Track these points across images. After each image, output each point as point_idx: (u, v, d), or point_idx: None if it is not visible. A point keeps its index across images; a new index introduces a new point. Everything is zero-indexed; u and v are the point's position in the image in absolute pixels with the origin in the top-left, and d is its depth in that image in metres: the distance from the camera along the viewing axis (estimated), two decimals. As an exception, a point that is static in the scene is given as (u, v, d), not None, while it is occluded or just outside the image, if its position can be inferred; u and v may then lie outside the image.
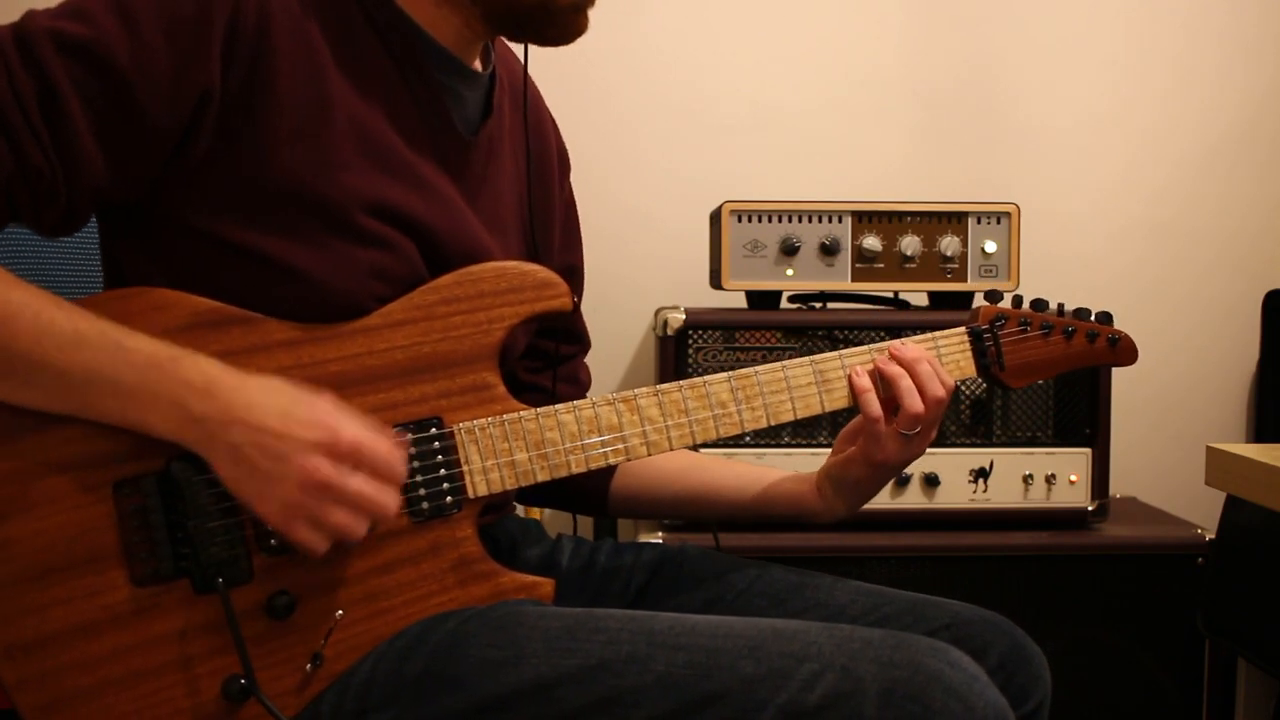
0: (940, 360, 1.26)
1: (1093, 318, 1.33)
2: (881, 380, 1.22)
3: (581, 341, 1.44)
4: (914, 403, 1.20)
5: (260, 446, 0.99)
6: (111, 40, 1.01)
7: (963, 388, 1.96)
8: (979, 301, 1.99)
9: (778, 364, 1.22)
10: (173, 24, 1.03)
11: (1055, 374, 1.33)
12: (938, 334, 1.27)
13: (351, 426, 1.01)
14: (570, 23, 1.18)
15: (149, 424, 1.01)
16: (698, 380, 1.20)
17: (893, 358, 1.22)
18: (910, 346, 1.23)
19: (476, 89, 1.24)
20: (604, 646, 1.03)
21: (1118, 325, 1.34)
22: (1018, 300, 1.32)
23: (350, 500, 1.00)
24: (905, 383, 1.21)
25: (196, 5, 1.03)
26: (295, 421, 0.99)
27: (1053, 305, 1.33)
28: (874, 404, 1.22)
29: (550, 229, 1.40)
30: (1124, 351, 1.34)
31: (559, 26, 1.17)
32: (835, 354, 1.24)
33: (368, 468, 1.01)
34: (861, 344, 1.90)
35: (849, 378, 1.23)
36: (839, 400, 1.24)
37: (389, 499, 1.02)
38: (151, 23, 1.02)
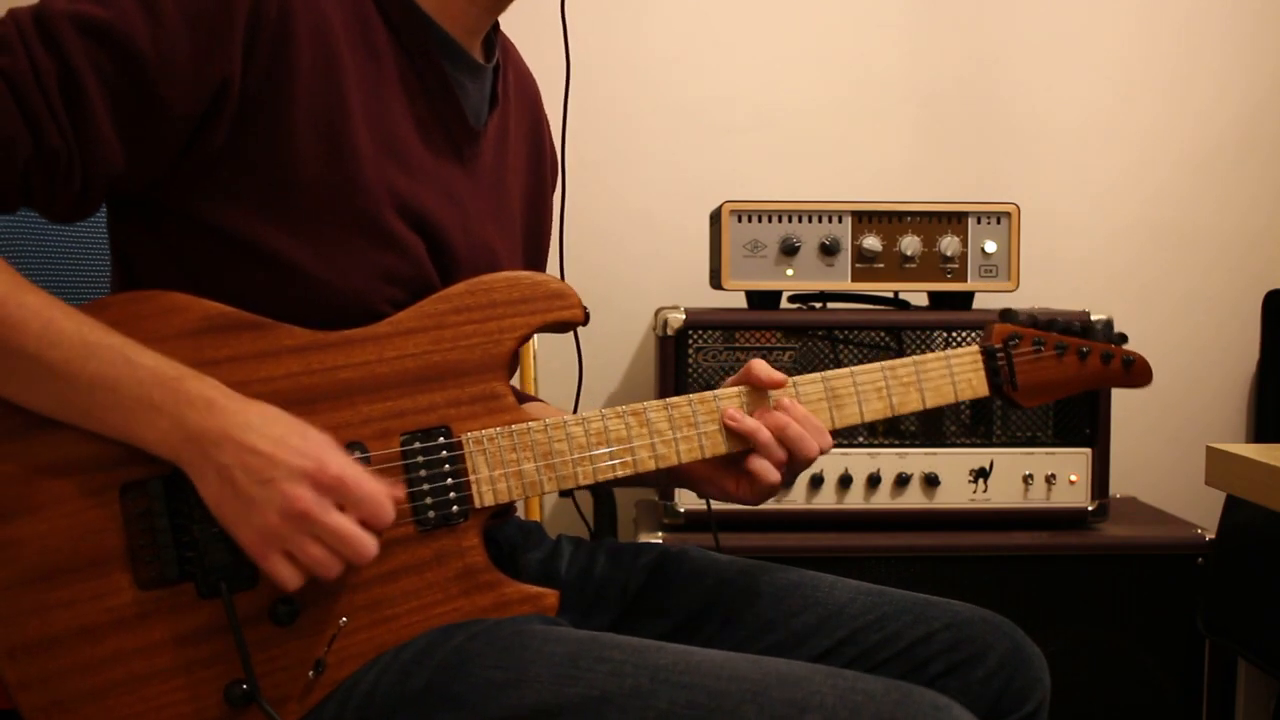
0: (953, 378, 1.26)
1: (1109, 338, 1.32)
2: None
3: None
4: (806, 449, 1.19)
5: (247, 468, 0.98)
6: (132, 24, 1.01)
7: (963, 388, 1.97)
8: (979, 303, 2.01)
9: (792, 379, 1.22)
10: (195, 10, 1.02)
11: (1068, 394, 1.31)
12: (950, 352, 1.27)
13: (340, 460, 1.00)
14: None
15: (145, 438, 1.00)
16: (707, 394, 1.19)
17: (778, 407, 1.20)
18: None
19: (481, 81, 1.24)
20: (607, 678, 1.01)
21: (1119, 328, 1.34)
22: (1032, 319, 1.31)
23: (329, 536, 0.99)
24: (793, 430, 1.19)
25: None
26: (285, 448, 0.98)
27: (1073, 319, 1.32)
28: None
29: (547, 227, 1.41)
30: (1138, 374, 1.32)
31: None
32: (848, 370, 1.23)
33: (353, 507, 1.00)
34: (861, 344, 1.91)
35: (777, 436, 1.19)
36: (850, 418, 1.24)
37: (367, 542, 1.00)
38: (173, 8, 1.02)
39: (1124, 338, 1.33)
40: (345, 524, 0.99)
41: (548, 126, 1.44)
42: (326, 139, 1.08)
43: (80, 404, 1.00)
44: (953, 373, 1.26)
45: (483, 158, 1.24)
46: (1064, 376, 1.30)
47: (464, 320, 1.13)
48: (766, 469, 1.19)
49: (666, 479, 1.30)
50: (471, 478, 1.12)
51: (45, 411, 1.01)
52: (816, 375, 1.23)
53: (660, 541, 1.77)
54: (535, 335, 1.17)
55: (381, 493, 1.01)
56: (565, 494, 1.38)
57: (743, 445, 1.20)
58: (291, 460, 0.98)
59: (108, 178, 1.04)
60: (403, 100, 1.15)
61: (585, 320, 1.18)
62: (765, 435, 1.18)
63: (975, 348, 1.28)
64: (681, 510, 1.92)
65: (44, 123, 0.99)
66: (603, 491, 2.03)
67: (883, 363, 1.25)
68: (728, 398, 1.20)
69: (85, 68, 1.00)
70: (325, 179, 1.08)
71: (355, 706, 1.06)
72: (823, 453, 1.20)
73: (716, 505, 1.89)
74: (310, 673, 1.06)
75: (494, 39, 1.28)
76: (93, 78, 1.00)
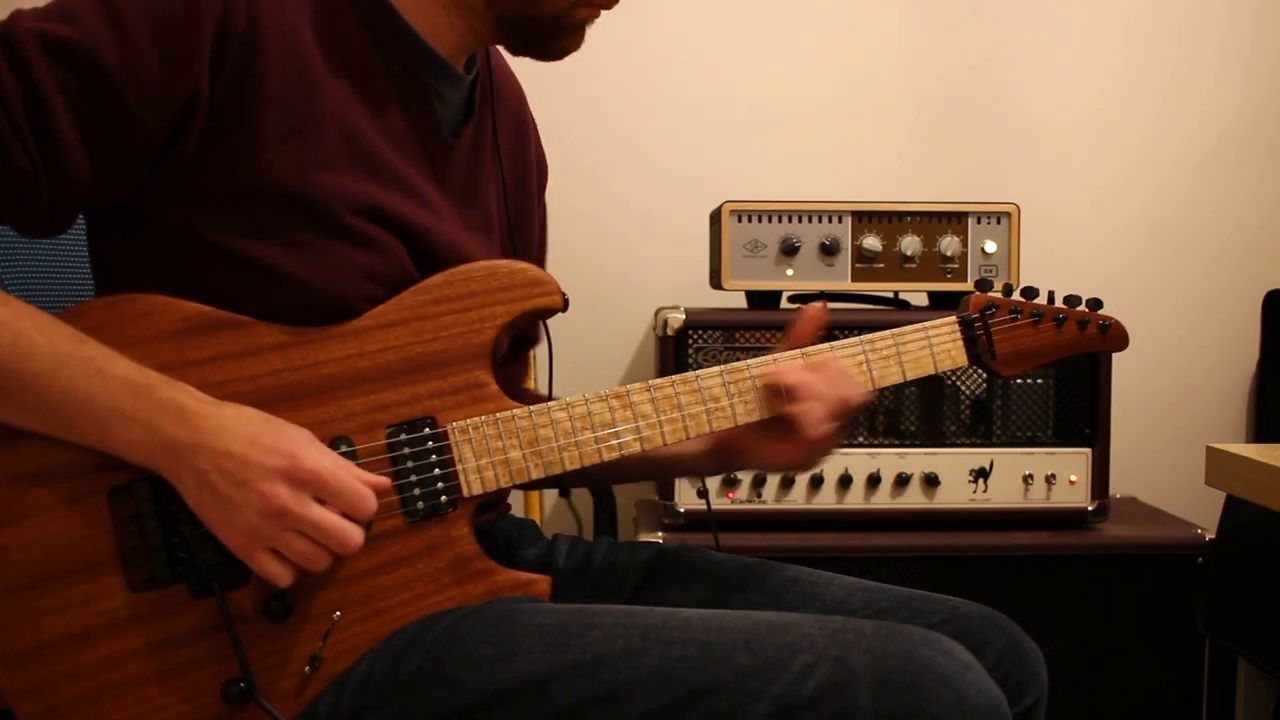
0: (932, 349, 1.26)
1: (1083, 305, 1.33)
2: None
3: (530, 342, 1.44)
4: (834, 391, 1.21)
5: (223, 471, 0.98)
6: (98, 42, 1.01)
7: (963, 387, 1.97)
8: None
9: (769, 356, 1.22)
10: (161, 26, 1.02)
11: (1047, 361, 1.33)
12: (928, 323, 1.27)
13: (315, 455, 1.00)
14: (574, 40, 1.20)
15: (120, 448, 1.00)
16: (690, 375, 1.20)
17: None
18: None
19: (460, 90, 1.25)
20: (599, 641, 1.03)
21: (1118, 323, 1.34)
22: (1008, 289, 1.32)
23: (311, 529, 0.99)
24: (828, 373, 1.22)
25: (186, 7, 1.03)
26: (259, 448, 0.99)
27: (1043, 294, 1.33)
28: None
29: (530, 230, 1.41)
30: (1114, 338, 1.34)
31: (563, 42, 1.19)
32: (827, 345, 1.24)
33: (332, 500, 1.00)
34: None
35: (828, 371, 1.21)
36: None
37: (351, 532, 1.01)
38: (139, 25, 1.02)
39: (1099, 303, 1.33)
40: (326, 516, 0.99)
41: (534, 128, 1.44)
42: (296, 149, 1.08)
43: (54, 416, 1.00)
44: (931, 344, 1.27)
45: (458, 167, 1.24)
46: (1042, 343, 1.31)
47: (444, 311, 1.14)
48: (817, 423, 1.19)
49: (712, 462, 1.32)
50: (459, 467, 1.12)
51: (23, 425, 1.01)
52: (796, 351, 1.23)
53: (659, 540, 1.76)
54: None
55: (360, 483, 1.01)
56: (563, 494, 1.38)
57: (741, 420, 1.20)
58: (265, 459, 0.98)
59: (77, 195, 1.05)
60: (378, 110, 1.15)
61: (565, 307, 1.18)
62: (816, 387, 1.19)
63: (953, 318, 1.29)
64: (681, 510, 1.92)
65: (9, 144, 1.00)
66: (602, 490, 2.03)
67: (861, 336, 1.25)
68: (708, 377, 1.20)
69: (51, 87, 1.00)
70: (295, 186, 1.08)
71: (350, 695, 1.06)
72: (858, 405, 1.21)
73: (716, 505, 1.90)
74: (306, 668, 1.07)
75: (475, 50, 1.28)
76: (59, 98, 1.00)
